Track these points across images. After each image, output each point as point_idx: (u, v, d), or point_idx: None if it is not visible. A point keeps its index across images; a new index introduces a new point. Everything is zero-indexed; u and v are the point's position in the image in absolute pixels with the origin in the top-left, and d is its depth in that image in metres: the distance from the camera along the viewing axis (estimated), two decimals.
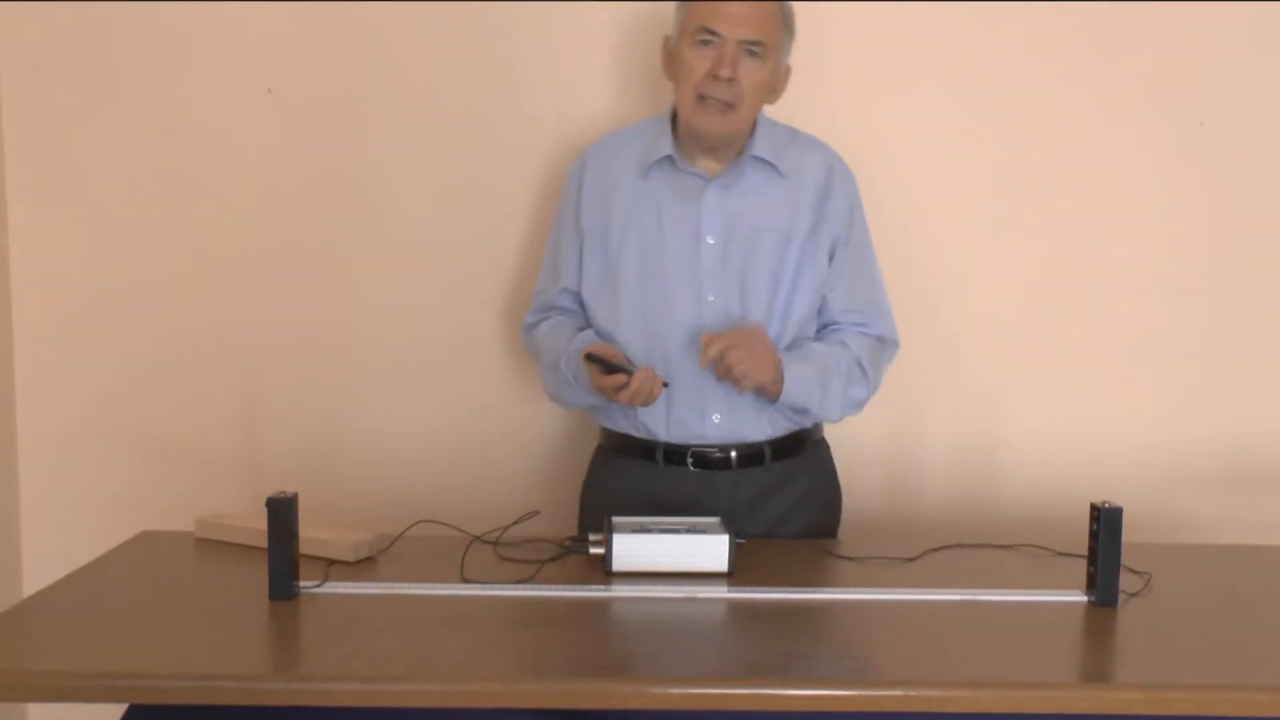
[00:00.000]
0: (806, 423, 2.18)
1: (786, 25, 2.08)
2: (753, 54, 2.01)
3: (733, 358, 1.95)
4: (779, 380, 2.02)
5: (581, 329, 2.17)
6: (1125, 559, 1.74)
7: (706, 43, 2.01)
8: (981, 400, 2.62)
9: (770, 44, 2.02)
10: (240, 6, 2.50)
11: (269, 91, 2.53)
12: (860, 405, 2.16)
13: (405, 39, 2.51)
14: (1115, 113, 2.54)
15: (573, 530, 2.20)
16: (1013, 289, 2.59)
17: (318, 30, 2.51)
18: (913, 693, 1.44)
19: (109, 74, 2.53)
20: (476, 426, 2.61)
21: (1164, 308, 2.59)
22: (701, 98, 2.02)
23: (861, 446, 2.55)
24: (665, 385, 1.99)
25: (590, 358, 1.97)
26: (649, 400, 1.98)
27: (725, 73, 1.99)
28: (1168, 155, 2.56)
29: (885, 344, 2.20)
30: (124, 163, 2.55)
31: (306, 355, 2.60)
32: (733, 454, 2.12)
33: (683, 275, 2.09)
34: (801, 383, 2.04)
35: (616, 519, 1.90)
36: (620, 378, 1.95)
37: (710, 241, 2.09)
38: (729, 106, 2.02)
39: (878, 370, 2.17)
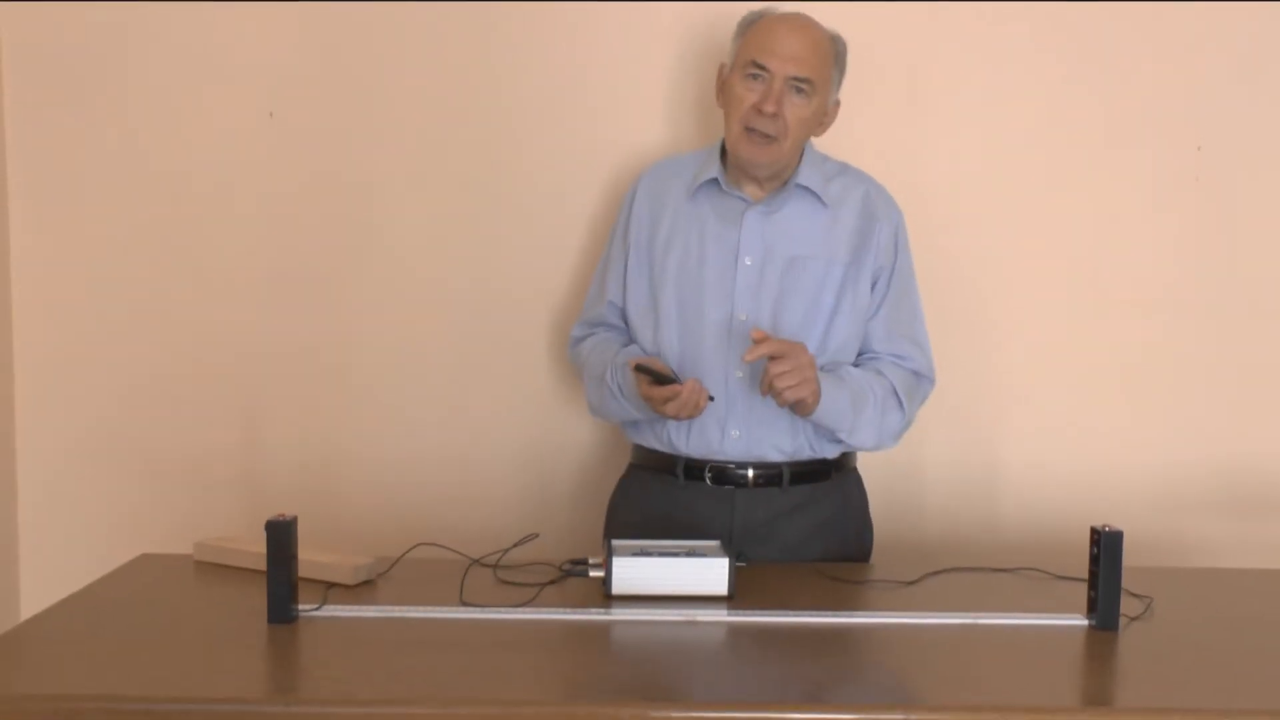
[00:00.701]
0: (830, 452, 2.17)
1: (837, 62, 2.12)
2: (800, 90, 2.05)
3: (775, 369, 1.93)
4: (817, 396, 2.00)
5: (626, 344, 2.21)
6: (1126, 582, 1.73)
7: (756, 76, 2.06)
8: (981, 423, 2.62)
9: (818, 81, 2.06)
10: (243, 29, 2.52)
11: (270, 115, 2.54)
12: (896, 437, 2.15)
13: (414, 61, 2.53)
14: (1114, 136, 2.55)
15: (572, 552, 2.19)
16: (1013, 311, 2.59)
17: (320, 53, 2.53)
18: (913, 716, 1.43)
19: (111, 97, 2.54)
20: (476, 449, 2.61)
21: (1164, 330, 2.59)
22: (747, 129, 2.06)
23: (862, 469, 2.55)
24: (711, 399, 2.01)
25: (639, 368, 1.99)
26: (695, 413, 1.99)
27: (769, 108, 2.03)
28: (1166, 178, 2.57)
29: (921, 379, 2.19)
30: (125, 185, 2.56)
31: (307, 378, 2.60)
32: (750, 472, 2.12)
33: (718, 292, 2.12)
34: (835, 404, 2.03)
35: (616, 542, 1.90)
36: (671, 389, 1.96)
37: (748, 263, 2.12)
38: (772, 139, 2.06)
39: (913, 402, 2.16)
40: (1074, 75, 2.53)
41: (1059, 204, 2.57)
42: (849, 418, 2.06)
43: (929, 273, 2.50)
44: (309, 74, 2.53)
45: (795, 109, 2.05)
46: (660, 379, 1.98)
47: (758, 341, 1.92)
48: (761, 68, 2.05)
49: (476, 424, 2.60)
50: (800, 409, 2.01)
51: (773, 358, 1.93)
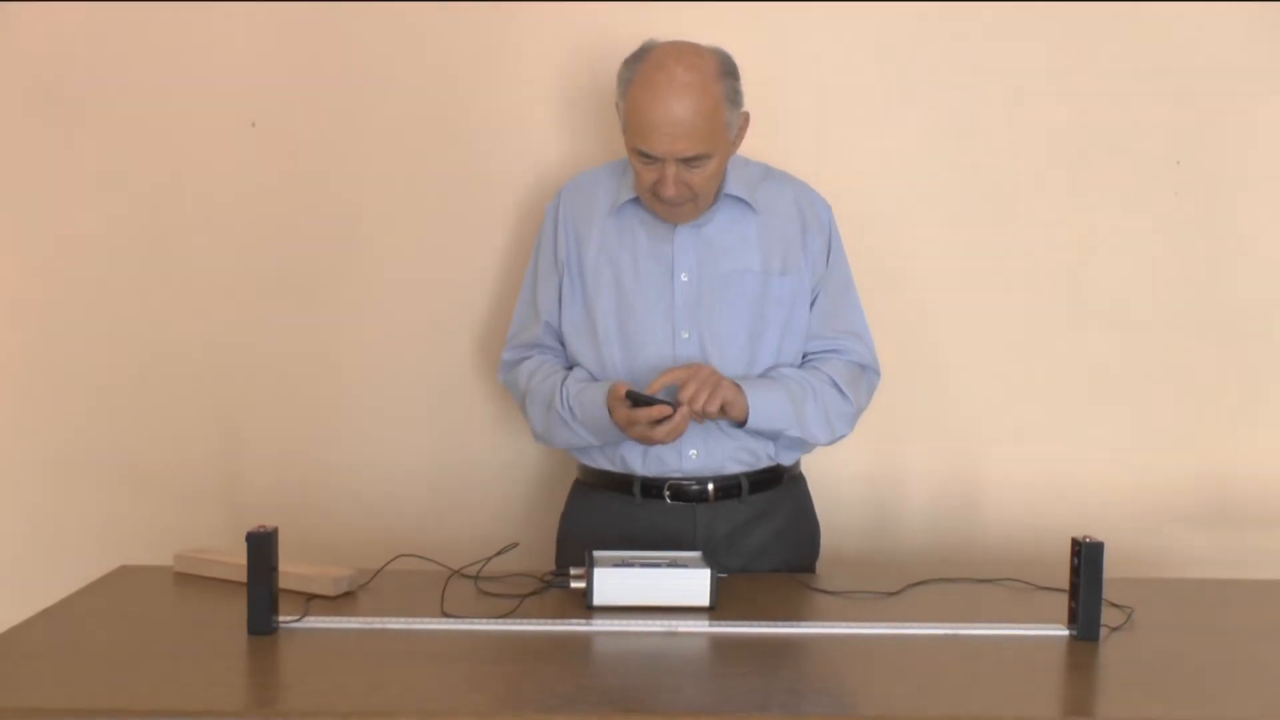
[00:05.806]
0: (787, 460, 2.17)
1: (729, 97, 1.98)
2: (694, 165, 1.97)
3: (683, 394, 1.94)
4: (740, 396, 1.99)
5: (568, 368, 2.18)
6: (1107, 593, 1.74)
7: (647, 162, 1.98)
8: (963, 435, 2.62)
9: (710, 145, 1.96)
10: (224, 39, 2.51)
11: (253, 125, 2.53)
12: (849, 422, 2.14)
13: (385, 76, 2.53)
14: (1094, 150, 2.57)
15: (553, 564, 2.20)
16: (993, 324, 2.60)
17: (301, 64, 2.52)
18: None
19: (91, 104, 2.53)
20: (456, 460, 2.60)
21: (1144, 343, 2.60)
22: (655, 196, 2.02)
23: (843, 481, 2.55)
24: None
25: (630, 395, 1.95)
26: (677, 437, 1.97)
27: (668, 192, 1.98)
28: (1145, 191, 2.58)
29: (865, 370, 2.18)
30: (104, 192, 2.55)
31: (287, 389, 2.59)
32: (709, 486, 2.12)
33: (658, 312, 2.10)
34: (769, 403, 2.02)
35: (598, 553, 1.89)
36: (660, 410, 1.93)
37: (684, 279, 2.10)
38: (686, 200, 2.02)
39: (858, 392, 2.14)
40: (1053, 88, 2.55)
41: (1040, 217, 2.58)
42: (790, 413, 2.04)
43: (911, 289, 2.51)
44: (291, 83, 2.53)
45: (697, 173, 1.98)
46: (648, 404, 1.94)
47: (651, 386, 1.95)
48: (648, 155, 1.97)
49: (456, 435, 2.60)
50: (733, 413, 1.99)
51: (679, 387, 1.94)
